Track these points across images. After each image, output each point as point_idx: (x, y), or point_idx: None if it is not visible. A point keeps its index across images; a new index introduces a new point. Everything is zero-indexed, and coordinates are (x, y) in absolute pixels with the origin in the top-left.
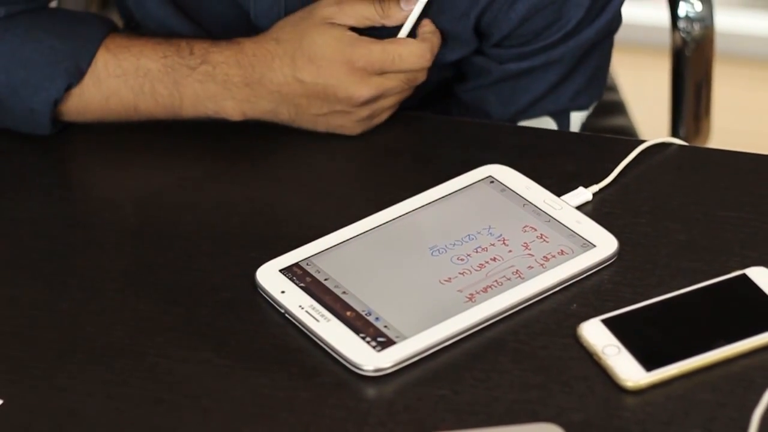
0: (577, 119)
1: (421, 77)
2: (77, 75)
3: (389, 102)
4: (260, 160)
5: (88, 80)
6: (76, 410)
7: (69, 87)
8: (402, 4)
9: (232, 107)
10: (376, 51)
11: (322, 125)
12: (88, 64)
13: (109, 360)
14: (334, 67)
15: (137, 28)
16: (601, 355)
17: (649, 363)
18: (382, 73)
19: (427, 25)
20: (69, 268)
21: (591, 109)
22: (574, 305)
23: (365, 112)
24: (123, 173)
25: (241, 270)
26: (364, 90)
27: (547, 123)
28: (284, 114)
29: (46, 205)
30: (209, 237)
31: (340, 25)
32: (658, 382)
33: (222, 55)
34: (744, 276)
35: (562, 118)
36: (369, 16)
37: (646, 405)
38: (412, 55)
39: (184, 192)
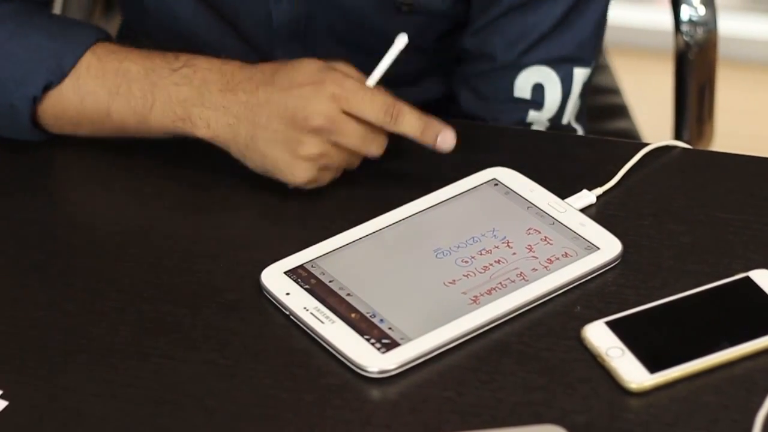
0: (579, 76)
1: (356, 161)
2: (58, 74)
3: (335, 157)
4: None
5: (69, 81)
6: (80, 411)
7: (48, 86)
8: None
9: (198, 114)
10: (348, 82)
11: (270, 158)
12: (72, 65)
13: (114, 361)
14: (303, 88)
15: (135, 29)
16: (604, 357)
17: (652, 365)
18: (344, 111)
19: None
20: (73, 269)
21: (591, 69)
22: (578, 307)
23: (315, 147)
24: (127, 175)
25: (245, 271)
26: (319, 116)
27: (551, 78)
28: (241, 134)
29: (50, 206)
30: (213, 238)
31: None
32: (661, 384)
33: (207, 62)
34: (747, 278)
35: (566, 72)
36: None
37: (650, 407)
38: (378, 103)
39: (189, 193)
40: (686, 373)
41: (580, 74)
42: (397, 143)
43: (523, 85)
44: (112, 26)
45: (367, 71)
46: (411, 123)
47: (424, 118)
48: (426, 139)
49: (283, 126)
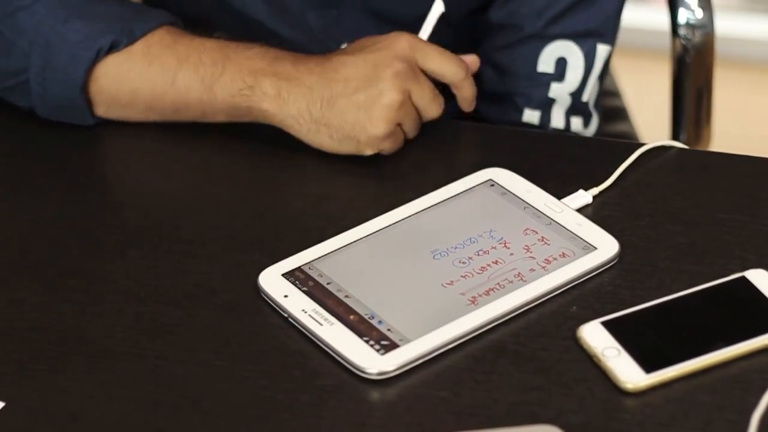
0: (602, 53)
1: (435, 111)
2: (129, 36)
3: (410, 113)
4: (262, 164)
5: (138, 47)
6: (77, 412)
7: (116, 45)
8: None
9: (270, 83)
10: (418, 39)
11: (350, 119)
12: (144, 32)
13: (111, 362)
14: (378, 44)
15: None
16: (600, 357)
17: (648, 365)
18: (419, 65)
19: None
20: (70, 270)
21: (611, 48)
22: (574, 307)
23: (397, 91)
24: (125, 176)
25: (242, 273)
26: (401, 61)
27: (574, 52)
28: (317, 101)
29: (47, 207)
30: (210, 240)
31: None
32: (657, 384)
33: (280, 49)
34: (743, 278)
35: (590, 47)
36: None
37: (646, 407)
38: (451, 57)
39: (186, 195)
40: (682, 373)
41: (602, 51)
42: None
43: (546, 59)
44: None
45: None
46: (471, 84)
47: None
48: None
49: (364, 78)
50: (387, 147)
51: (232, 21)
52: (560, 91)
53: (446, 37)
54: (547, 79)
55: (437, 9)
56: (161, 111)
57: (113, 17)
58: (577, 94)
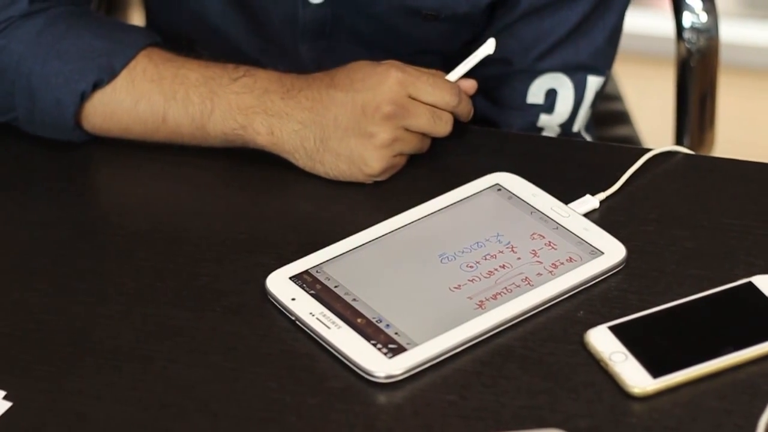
0: (593, 85)
1: (427, 143)
2: (109, 72)
3: (408, 141)
4: (270, 167)
5: (122, 81)
6: (84, 414)
7: (99, 83)
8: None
9: (260, 122)
10: (410, 68)
11: (344, 156)
12: (123, 65)
13: (118, 364)
14: (366, 80)
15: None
16: (608, 361)
17: (655, 370)
18: (411, 96)
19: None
20: (78, 272)
21: (605, 79)
22: (581, 312)
23: (388, 133)
24: (133, 178)
25: (249, 275)
26: (389, 103)
27: (564, 84)
28: (309, 138)
29: (55, 209)
30: (218, 243)
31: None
32: (664, 388)
33: (266, 73)
34: (750, 284)
35: (580, 80)
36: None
37: (653, 411)
38: (442, 85)
39: (193, 198)
40: (689, 378)
41: (593, 83)
42: None
43: (536, 92)
44: None
45: None
46: (467, 104)
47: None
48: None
49: (353, 121)
50: (388, 175)
51: (220, 49)
52: (549, 122)
53: (442, 67)
54: (536, 111)
55: (486, 49)
56: (155, 140)
57: (90, 52)
58: (566, 125)
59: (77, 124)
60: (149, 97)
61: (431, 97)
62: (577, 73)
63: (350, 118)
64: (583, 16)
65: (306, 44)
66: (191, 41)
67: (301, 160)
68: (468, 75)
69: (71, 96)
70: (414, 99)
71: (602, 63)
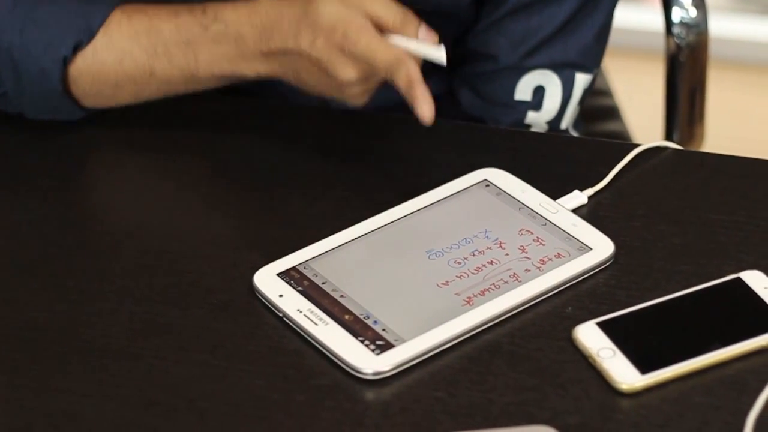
0: (581, 82)
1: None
2: (87, 33)
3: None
4: (257, 163)
5: (101, 40)
6: (72, 412)
7: (79, 45)
8: (420, 31)
9: (246, 67)
10: (363, 40)
11: (325, 93)
12: (100, 23)
13: (106, 362)
14: (328, 43)
15: None
16: (596, 357)
17: (644, 366)
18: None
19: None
20: (66, 269)
21: (593, 76)
22: (570, 308)
23: (355, 90)
24: (119, 175)
25: (237, 272)
26: (349, 71)
27: (552, 81)
28: (290, 78)
29: (42, 206)
30: (205, 240)
31: (351, 8)
32: (652, 384)
33: (235, 13)
34: (738, 279)
35: (568, 77)
36: (386, 18)
37: (641, 408)
38: (390, 58)
39: (180, 195)
40: (677, 374)
41: (581, 80)
42: (389, 145)
43: (524, 88)
44: None
45: None
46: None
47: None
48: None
49: (321, 77)
50: (366, 87)
51: None
52: (537, 119)
53: (427, 62)
54: (524, 107)
55: (436, 54)
56: (149, 95)
57: (66, 16)
58: (554, 122)
59: (66, 91)
60: (131, 54)
61: (377, 65)
62: (565, 71)
63: (318, 74)
64: (572, 13)
65: None
66: None
67: (293, 83)
68: (455, 70)
69: (54, 63)
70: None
71: (590, 61)
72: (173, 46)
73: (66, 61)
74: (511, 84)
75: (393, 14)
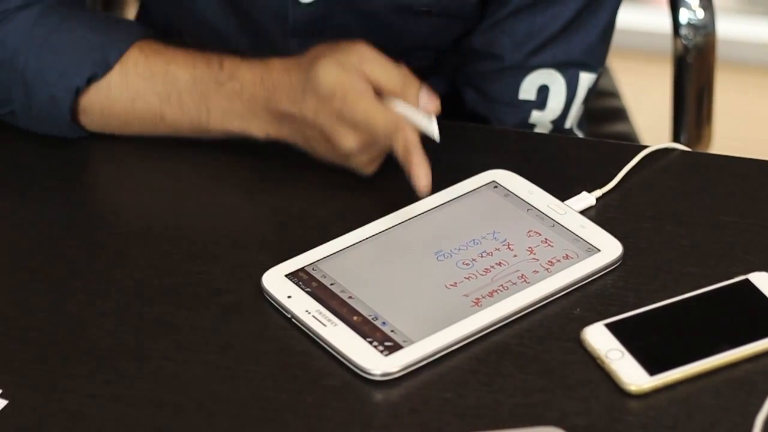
0: (585, 81)
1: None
2: (103, 66)
3: (376, 149)
4: (265, 164)
5: (116, 77)
6: (80, 412)
7: (93, 77)
8: (421, 96)
9: (257, 127)
10: (361, 107)
11: (333, 161)
12: (117, 58)
13: (114, 362)
14: (328, 111)
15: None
16: (604, 359)
17: (652, 367)
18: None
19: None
20: (74, 270)
21: (598, 76)
22: (578, 310)
23: (360, 159)
24: (127, 177)
25: (245, 273)
26: (350, 140)
27: (557, 81)
28: (299, 143)
29: (51, 207)
30: (213, 240)
31: (351, 73)
32: (661, 386)
33: (250, 73)
34: (747, 281)
35: (572, 76)
36: (385, 82)
37: (650, 409)
38: (388, 125)
39: (188, 195)
40: (686, 375)
41: (585, 79)
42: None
43: (528, 88)
44: None
45: None
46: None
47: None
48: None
49: (326, 145)
50: (371, 156)
51: (208, 43)
52: (541, 119)
53: (431, 61)
54: (528, 107)
55: (430, 129)
56: (159, 134)
57: (84, 46)
58: (558, 121)
59: (74, 119)
60: (144, 97)
61: (376, 133)
62: (570, 70)
63: (323, 141)
64: (576, 12)
65: (295, 41)
66: (181, 33)
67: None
68: (459, 69)
69: (66, 92)
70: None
71: (595, 60)
72: (187, 95)
73: (78, 92)
74: (516, 83)
75: (393, 78)
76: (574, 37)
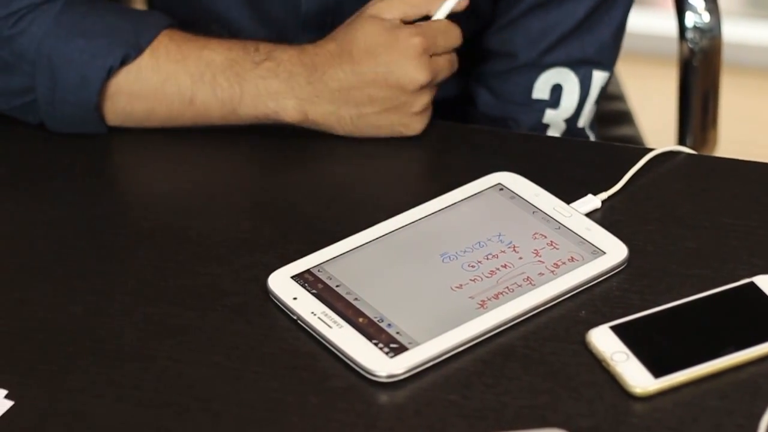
0: (598, 80)
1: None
2: (136, 48)
3: (433, 91)
4: (271, 166)
5: (147, 59)
6: (85, 413)
7: (126, 59)
8: None
9: (293, 106)
10: (422, 32)
11: (385, 126)
12: (148, 42)
13: (120, 363)
14: (389, 54)
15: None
16: (609, 361)
17: (657, 370)
18: (432, 54)
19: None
20: (80, 271)
21: (610, 75)
22: (583, 312)
23: (424, 99)
24: (134, 177)
25: (251, 275)
26: (421, 73)
27: (570, 79)
28: (345, 117)
29: (56, 208)
30: (219, 242)
31: (387, 18)
32: (666, 388)
33: (286, 54)
34: (752, 284)
35: (585, 74)
36: (415, 3)
37: (655, 411)
38: (451, 31)
39: (195, 196)
40: (691, 377)
41: (599, 78)
42: (404, 148)
43: (542, 87)
44: None
45: None
46: None
47: None
48: None
49: (391, 97)
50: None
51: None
52: (555, 118)
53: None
54: (541, 106)
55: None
56: (179, 124)
57: (114, 30)
58: (572, 120)
59: (99, 105)
60: (176, 77)
61: (449, 48)
62: (583, 68)
63: (386, 95)
64: (590, 9)
65: (307, 35)
66: (191, 26)
67: (340, 131)
68: (475, 72)
69: (98, 71)
70: (435, 55)
71: (608, 58)
72: (221, 75)
73: (111, 72)
74: (529, 82)
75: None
76: (588, 35)
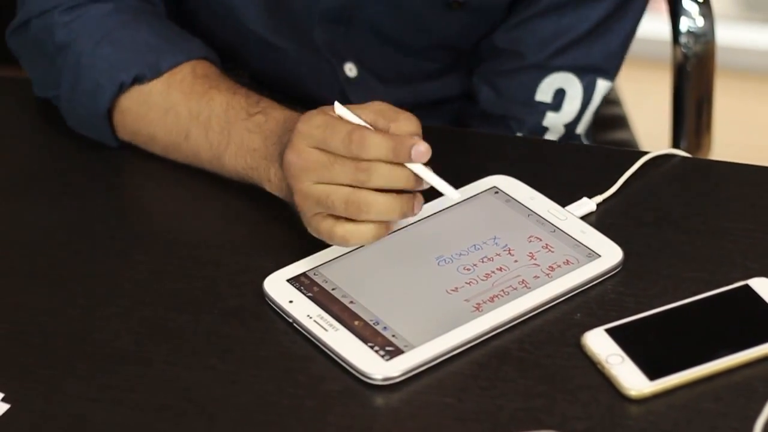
0: (601, 88)
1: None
2: (153, 70)
3: (336, 197)
4: None
5: (160, 85)
6: (82, 416)
7: (139, 78)
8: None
9: (264, 167)
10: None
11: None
12: (168, 67)
13: (116, 366)
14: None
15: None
16: (604, 364)
17: (652, 372)
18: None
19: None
20: (76, 275)
21: (612, 83)
22: (578, 315)
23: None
24: (130, 182)
25: (247, 278)
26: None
27: (574, 85)
28: (290, 195)
29: (53, 211)
30: (215, 245)
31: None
32: (661, 391)
33: (280, 112)
34: (746, 287)
35: (589, 81)
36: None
37: (649, 414)
38: (339, 131)
39: (191, 200)
40: (686, 380)
41: (602, 86)
42: None
43: (545, 89)
44: None
45: (400, 70)
46: (378, 145)
47: (391, 138)
48: (400, 157)
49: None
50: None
51: (228, 30)
52: (555, 121)
53: (452, 59)
54: (543, 108)
55: (452, 195)
56: (177, 158)
57: (141, 47)
58: (571, 126)
59: (109, 114)
60: (177, 109)
61: (330, 148)
62: (588, 75)
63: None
64: (603, 16)
65: (322, 27)
66: (209, 28)
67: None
68: (479, 70)
69: (111, 83)
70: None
71: (613, 67)
72: (215, 119)
73: (122, 87)
74: (534, 83)
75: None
76: (597, 42)
